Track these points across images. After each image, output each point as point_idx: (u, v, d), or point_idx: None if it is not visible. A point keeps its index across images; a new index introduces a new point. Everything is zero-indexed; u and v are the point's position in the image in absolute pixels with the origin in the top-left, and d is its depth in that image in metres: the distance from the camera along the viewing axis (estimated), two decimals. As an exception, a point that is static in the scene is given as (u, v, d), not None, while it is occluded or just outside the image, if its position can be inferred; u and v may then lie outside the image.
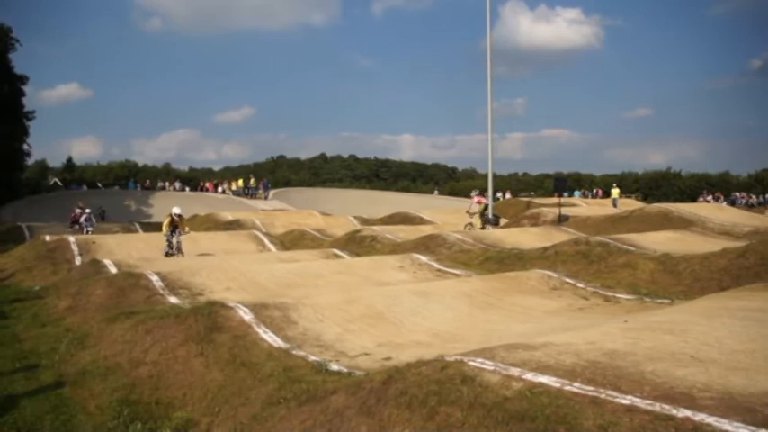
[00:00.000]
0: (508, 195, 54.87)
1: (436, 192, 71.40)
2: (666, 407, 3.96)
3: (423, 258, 15.38)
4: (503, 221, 30.54)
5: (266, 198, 50.85)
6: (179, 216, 17.93)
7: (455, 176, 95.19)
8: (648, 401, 4.07)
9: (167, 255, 17.42)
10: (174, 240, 17.73)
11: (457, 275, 13.62)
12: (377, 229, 23.80)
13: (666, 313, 7.68)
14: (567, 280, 12.02)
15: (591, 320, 8.70)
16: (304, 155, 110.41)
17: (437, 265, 14.75)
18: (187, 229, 18.45)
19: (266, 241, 21.35)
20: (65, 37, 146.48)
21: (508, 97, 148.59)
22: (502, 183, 64.29)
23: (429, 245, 18.74)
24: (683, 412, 3.87)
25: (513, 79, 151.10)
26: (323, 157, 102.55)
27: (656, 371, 4.67)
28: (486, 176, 34.57)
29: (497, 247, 17.75)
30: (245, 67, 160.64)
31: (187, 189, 59.62)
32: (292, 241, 23.36)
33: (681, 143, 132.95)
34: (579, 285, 11.68)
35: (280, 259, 16.16)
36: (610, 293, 11.09)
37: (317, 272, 13.55)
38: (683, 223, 21.80)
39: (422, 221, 30.94)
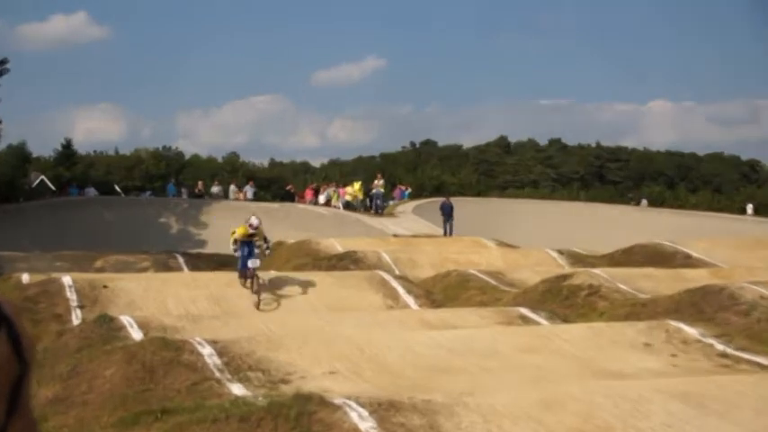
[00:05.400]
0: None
1: (580, 200, 60.26)
2: None
3: (691, 331, 13.45)
4: None
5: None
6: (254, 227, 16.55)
7: (755, 177, 77.16)
8: None
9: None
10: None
11: (761, 367, 11.83)
12: (599, 273, 20.09)
13: None
14: None
15: None
16: (468, 140, 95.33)
17: (720, 346, 12.79)
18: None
19: (401, 291, 18.92)
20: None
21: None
22: None
23: (702, 306, 15.49)
24: None
25: None
26: (502, 142, 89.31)
27: None
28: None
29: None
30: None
31: (248, 192, 45.11)
32: (447, 291, 20.52)
33: None
34: None
35: (424, 322, 15.15)
36: None
37: (491, 348, 12.66)
38: None
39: (687, 260, 25.66)
